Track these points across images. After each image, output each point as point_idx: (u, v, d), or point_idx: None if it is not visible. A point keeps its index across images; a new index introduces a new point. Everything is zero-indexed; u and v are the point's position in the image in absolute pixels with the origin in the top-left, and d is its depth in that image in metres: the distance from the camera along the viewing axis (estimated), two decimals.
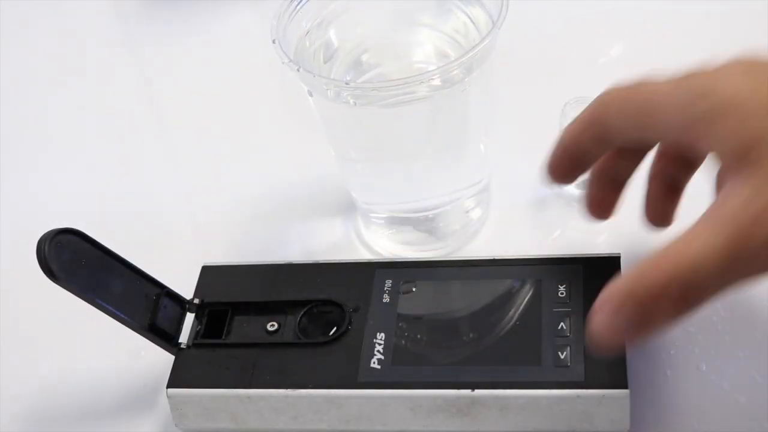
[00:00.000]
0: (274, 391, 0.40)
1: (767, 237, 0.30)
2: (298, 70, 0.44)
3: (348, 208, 0.54)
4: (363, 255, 0.52)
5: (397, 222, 0.52)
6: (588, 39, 0.64)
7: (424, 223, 0.51)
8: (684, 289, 0.31)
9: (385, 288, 0.43)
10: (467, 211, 0.51)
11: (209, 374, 0.42)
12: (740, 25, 0.62)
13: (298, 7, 0.48)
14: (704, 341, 0.44)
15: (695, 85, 0.35)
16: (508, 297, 0.40)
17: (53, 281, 0.40)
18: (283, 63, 0.44)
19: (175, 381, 0.42)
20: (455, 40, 0.49)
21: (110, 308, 0.41)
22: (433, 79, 0.43)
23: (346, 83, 0.47)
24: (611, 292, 0.33)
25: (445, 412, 0.38)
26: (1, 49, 0.72)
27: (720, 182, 0.35)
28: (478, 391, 0.38)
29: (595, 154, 0.40)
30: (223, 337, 0.43)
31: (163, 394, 0.42)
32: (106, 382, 0.48)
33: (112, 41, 0.74)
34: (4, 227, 0.58)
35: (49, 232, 0.41)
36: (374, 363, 0.40)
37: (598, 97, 0.39)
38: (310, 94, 0.46)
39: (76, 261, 0.41)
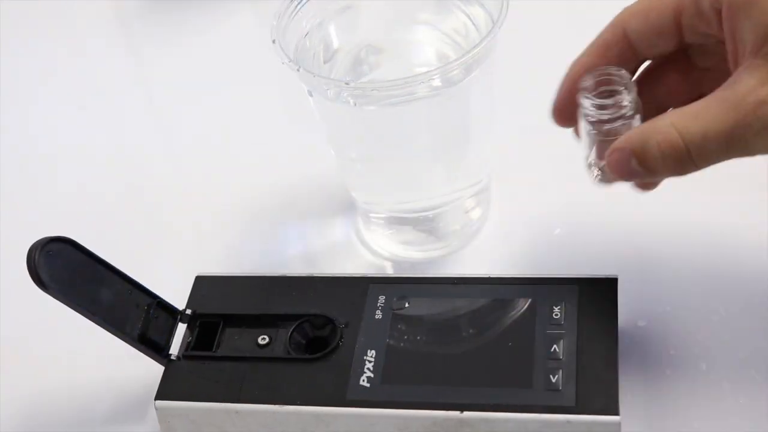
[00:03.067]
0: (262, 406, 0.40)
1: (764, 125, 0.34)
2: (298, 70, 0.44)
3: (348, 208, 0.54)
4: (363, 255, 0.52)
5: (397, 222, 0.52)
6: (588, 39, 0.64)
7: (424, 223, 0.51)
8: (687, 156, 0.35)
9: (378, 304, 0.42)
10: (467, 211, 0.51)
11: (198, 387, 0.41)
12: None
13: (298, 7, 0.48)
14: (704, 341, 0.44)
15: None
16: (502, 317, 0.39)
17: (43, 290, 0.39)
18: (283, 63, 0.44)
19: (163, 393, 0.41)
20: (455, 40, 0.49)
21: (100, 318, 0.41)
22: (433, 79, 0.43)
23: (346, 83, 0.47)
24: (627, 141, 0.37)
25: (433, 429, 0.38)
26: (1, 49, 0.72)
27: (736, 62, 0.36)
28: (467, 413, 0.37)
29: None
30: (214, 350, 0.43)
31: (153, 406, 0.42)
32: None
33: (112, 41, 0.74)
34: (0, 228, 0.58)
35: (39, 240, 0.40)
36: (363, 381, 0.40)
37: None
38: (310, 94, 0.46)
39: (67, 270, 0.40)
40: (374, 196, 0.52)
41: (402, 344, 0.41)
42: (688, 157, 0.36)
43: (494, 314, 0.40)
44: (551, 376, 0.38)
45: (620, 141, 0.37)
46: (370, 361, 0.40)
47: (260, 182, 0.58)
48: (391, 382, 0.40)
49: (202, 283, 0.45)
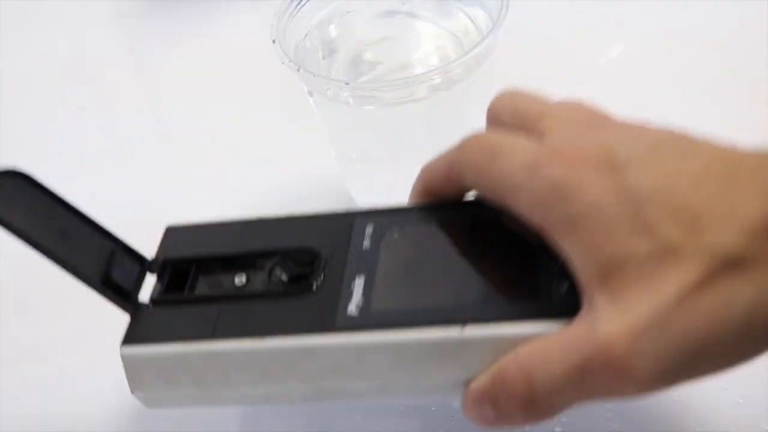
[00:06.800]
0: (239, 342, 0.36)
1: (612, 365, 0.30)
2: (298, 70, 0.44)
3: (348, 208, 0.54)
4: None
5: None
6: (588, 39, 0.64)
7: None
8: (532, 400, 0.32)
9: (366, 234, 0.38)
10: None
11: (169, 330, 0.37)
12: (738, 26, 0.62)
13: (298, 7, 0.48)
14: None
15: (553, 181, 0.32)
16: (499, 237, 0.35)
17: None
18: (283, 63, 0.45)
19: (130, 338, 0.37)
20: (455, 40, 0.49)
21: (59, 256, 0.37)
22: (433, 79, 0.43)
23: (346, 83, 0.47)
24: (477, 387, 0.33)
25: (429, 360, 0.34)
26: (1, 49, 0.72)
27: (581, 282, 0.32)
28: (469, 329, 0.33)
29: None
30: (186, 293, 0.39)
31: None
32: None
33: (112, 41, 0.74)
34: None
35: None
36: (352, 309, 0.35)
37: (456, 149, 0.37)
38: (310, 94, 0.47)
39: (23, 205, 0.36)
40: (374, 196, 0.52)
41: (394, 268, 0.37)
42: (534, 402, 0.32)
43: (491, 235, 0.36)
44: (560, 286, 0.33)
45: (471, 388, 0.33)
46: (359, 287, 0.36)
47: (260, 182, 0.58)
48: (384, 307, 0.35)
49: (172, 233, 0.42)
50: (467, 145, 0.36)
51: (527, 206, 0.33)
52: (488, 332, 0.33)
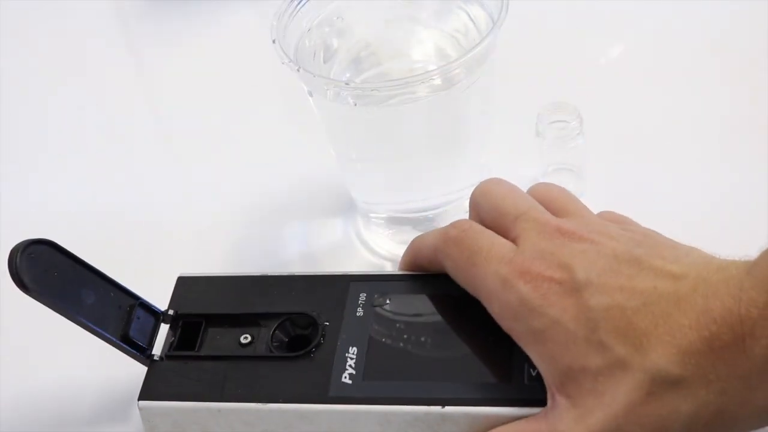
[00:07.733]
0: (245, 405, 0.40)
1: None
2: (298, 70, 0.44)
3: (348, 208, 0.54)
4: (363, 255, 0.52)
5: (397, 222, 0.52)
6: (588, 39, 0.64)
7: (424, 223, 0.51)
8: None
9: (359, 301, 0.43)
10: (467, 211, 0.51)
11: (181, 387, 0.42)
12: (738, 26, 0.62)
13: (298, 6, 0.48)
14: None
15: (520, 296, 0.36)
16: (481, 312, 0.39)
17: (25, 293, 0.40)
18: (283, 63, 0.45)
19: (146, 393, 0.42)
20: (455, 40, 0.49)
21: (82, 320, 0.41)
22: (433, 79, 0.43)
23: (346, 83, 0.47)
24: None
25: (415, 428, 0.39)
26: (1, 48, 0.72)
27: (546, 380, 0.36)
28: (448, 408, 0.38)
29: None
30: (196, 350, 0.43)
31: (137, 406, 0.42)
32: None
33: (112, 41, 0.74)
34: None
35: (21, 243, 0.40)
36: (345, 378, 0.40)
37: (441, 238, 0.41)
38: (310, 94, 0.46)
39: (49, 272, 0.41)
40: (374, 196, 0.52)
41: (383, 340, 0.41)
42: None
43: (474, 309, 0.40)
44: (531, 370, 0.38)
45: None
46: (351, 358, 0.40)
47: (260, 182, 0.58)
48: (373, 378, 0.40)
49: (184, 284, 0.46)
50: (451, 238, 0.40)
51: (498, 313, 0.38)
52: (464, 412, 0.38)
